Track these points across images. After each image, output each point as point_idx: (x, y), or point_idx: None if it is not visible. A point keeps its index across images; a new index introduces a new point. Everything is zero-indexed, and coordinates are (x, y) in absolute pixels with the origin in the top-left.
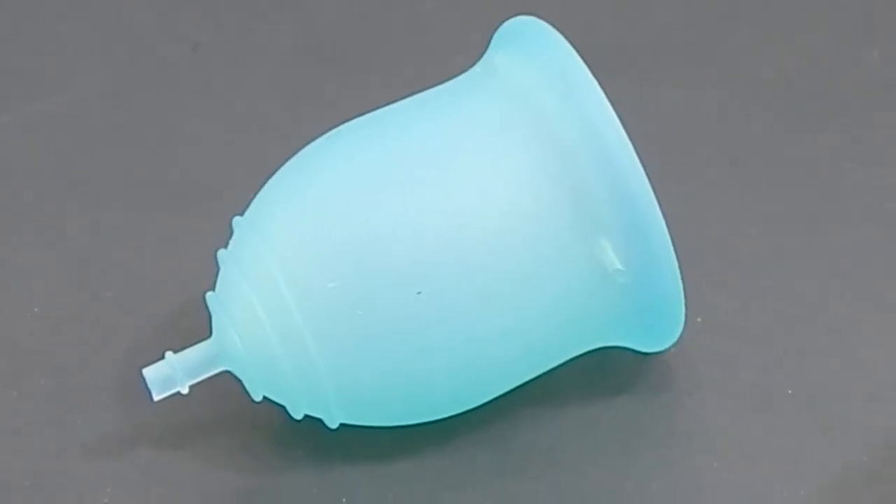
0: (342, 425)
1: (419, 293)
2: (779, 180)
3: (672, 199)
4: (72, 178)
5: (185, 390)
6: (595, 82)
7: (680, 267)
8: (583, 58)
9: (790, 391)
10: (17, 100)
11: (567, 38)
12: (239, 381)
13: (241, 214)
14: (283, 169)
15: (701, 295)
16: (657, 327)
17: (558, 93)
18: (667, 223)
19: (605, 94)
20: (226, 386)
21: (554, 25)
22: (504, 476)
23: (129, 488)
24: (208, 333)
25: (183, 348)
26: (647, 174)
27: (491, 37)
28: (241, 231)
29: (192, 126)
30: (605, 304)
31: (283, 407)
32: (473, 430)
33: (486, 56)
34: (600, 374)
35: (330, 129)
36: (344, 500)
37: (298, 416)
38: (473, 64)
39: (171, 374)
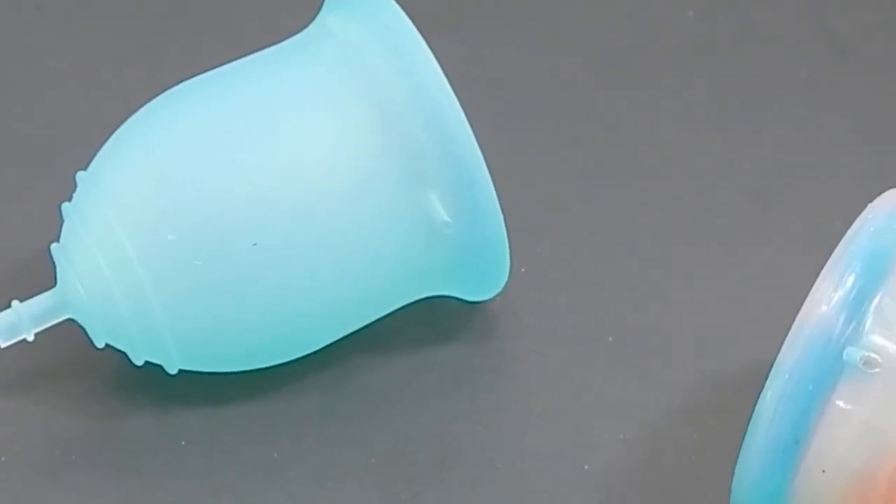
0: (181, 371)
1: (255, 244)
2: (599, 136)
3: (498, 154)
4: None
5: (30, 338)
6: (423, 42)
7: (505, 219)
8: (414, 20)
9: (611, 338)
10: None
11: (399, 1)
12: (82, 328)
13: (85, 169)
14: (123, 126)
15: (525, 246)
16: (483, 277)
17: (387, 52)
18: (492, 177)
19: (435, 54)
20: (70, 333)
21: None
22: (337, 418)
23: None
24: (54, 283)
25: (29, 297)
26: (473, 130)
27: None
28: (84, 185)
29: (38, 84)
30: (433, 255)
31: (124, 353)
32: (308, 375)
33: (318, 17)
34: (429, 322)
35: (170, 87)
36: (183, 442)
37: (139, 363)
38: (307, 25)
39: (16, 322)
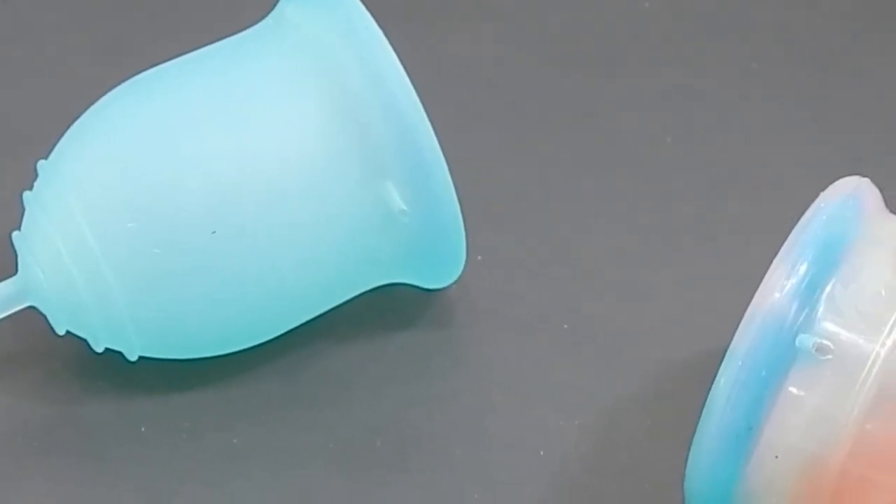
0: (141, 358)
1: (214, 233)
2: (557, 126)
3: (455, 144)
4: None
5: None
6: (380, 32)
7: (462, 208)
8: (371, 10)
9: (566, 325)
10: None
11: None
12: (43, 316)
13: (46, 158)
14: (84, 115)
15: (481, 235)
16: (440, 265)
17: (345, 43)
18: (449, 167)
19: (392, 44)
20: (31, 321)
21: None
22: (296, 405)
23: None
24: (15, 271)
25: None
26: (431, 120)
27: None
28: (45, 174)
29: (2, 73)
30: (390, 243)
31: (85, 341)
32: (266, 362)
33: (277, 7)
34: (387, 309)
35: (130, 77)
36: (143, 428)
37: (100, 350)
38: (266, 15)
39: None
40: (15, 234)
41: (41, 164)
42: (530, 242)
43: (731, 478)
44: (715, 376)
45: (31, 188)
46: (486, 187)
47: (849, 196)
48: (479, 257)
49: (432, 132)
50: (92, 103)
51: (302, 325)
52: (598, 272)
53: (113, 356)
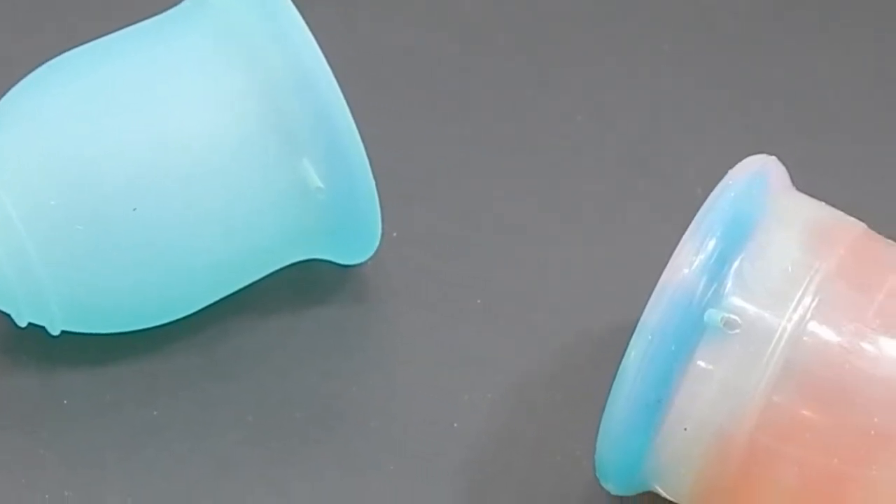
0: (64, 332)
1: (134, 209)
2: (470, 105)
3: (371, 123)
4: None
5: None
6: (297, 13)
7: (377, 185)
8: None
9: (479, 301)
10: None
11: None
12: None
13: None
14: (6, 95)
15: (396, 211)
16: (355, 241)
17: (262, 22)
18: (365, 145)
19: (309, 24)
20: None
21: None
22: (214, 378)
23: None
24: None
25: None
26: (347, 99)
27: None
28: None
29: None
30: (307, 220)
31: (8, 315)
32: (186, 336)
33: None
34: (303, 284)
35: (52, 58)
36: (65, 401)
37: (23, 324)
38: None
39: None
40: None
41: None
42: (444, 219)
43: (640, 449)
44: (625, 350)
45: None
46: (400, 165)
47: (756, 174)
48: (394, 234)
49: (348, 111)
50: (14, 83)
51: (221, 300)
52: (510, 248)
53: (36, 331)
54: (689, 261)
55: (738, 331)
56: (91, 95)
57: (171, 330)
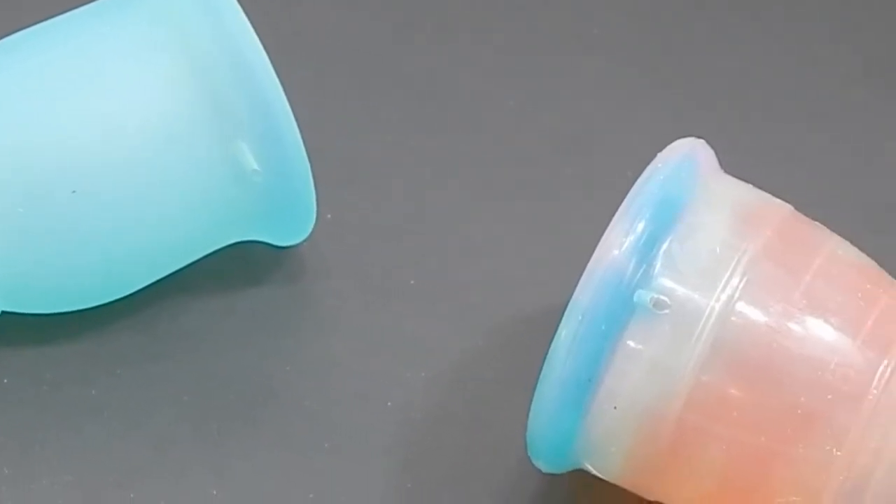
0: (4, 312)
1: (74, 192)
2: (404, 88)
3: (307, 106)
4: None
5: None
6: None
7: (312, 167)
8: None
9: (412, 281)
10: None
11: None
12: None
13: None
14: None
15: (331, 193)
16: (291, 223)
17: (196, 6)
18: (300, 128)
19: (244, 8)
20: None
21: None
22: (151, 358)
23: None
24: None
25: None
26: (282, 82)
27: None
28: None
29: None
30: (243, 202)
31: None
32: (124, 317)
33: None
34: (239, 266)
35: None
36: (5, 380)
37: None
38: None
39: None
40: None
41: None
42: (378, 201)
43: (571, 428)
44: (557, 330)
45: None
46: (336, 147)
47: (685, 156)
48: (329, 215)
49: (283, 94)
50: None
51: (158, 281)
52: (443, 230)
53: None
54: (619, 242)
55: (667, 311)
56: (28, 79)
57: (109, 310)
